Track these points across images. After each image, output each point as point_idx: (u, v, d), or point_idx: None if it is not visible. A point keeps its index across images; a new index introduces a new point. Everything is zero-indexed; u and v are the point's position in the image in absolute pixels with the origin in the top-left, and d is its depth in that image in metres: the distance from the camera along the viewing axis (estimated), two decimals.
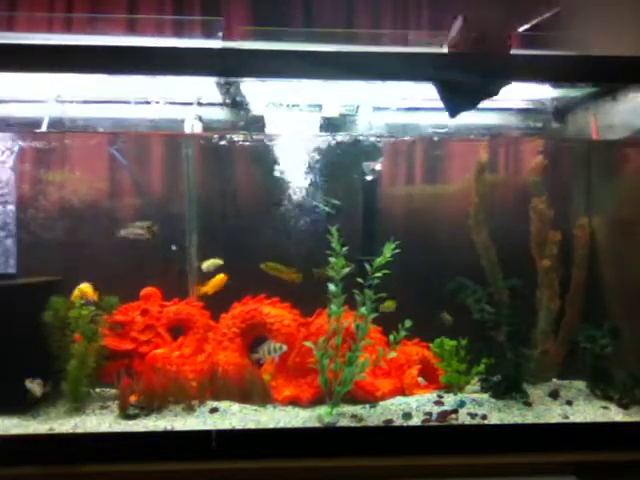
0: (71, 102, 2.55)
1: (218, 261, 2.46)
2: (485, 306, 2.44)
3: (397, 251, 2.28)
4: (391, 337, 2.33)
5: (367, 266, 2.27)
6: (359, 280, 2.28)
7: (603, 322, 2.49)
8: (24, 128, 2.66)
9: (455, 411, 2.21)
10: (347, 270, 2.26)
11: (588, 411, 2.28)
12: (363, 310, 2.27)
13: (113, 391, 2.36)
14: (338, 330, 2.28)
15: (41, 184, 2.75)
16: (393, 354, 2.33)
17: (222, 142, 2.55)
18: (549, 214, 2.69)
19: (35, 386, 2.13)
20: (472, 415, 2.19)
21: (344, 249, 2.27)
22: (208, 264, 2.50)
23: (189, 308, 2.66)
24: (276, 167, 2.64)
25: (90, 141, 2.77)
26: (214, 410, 2.25)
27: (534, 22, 2.31)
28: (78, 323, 2.29)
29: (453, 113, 2.13)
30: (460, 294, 2.50)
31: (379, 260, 2.27)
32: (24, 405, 2.21)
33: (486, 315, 2.43)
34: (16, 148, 2.70)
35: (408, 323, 2.30)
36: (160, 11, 3.17)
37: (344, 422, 2.15)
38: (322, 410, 2.25)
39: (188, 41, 2.78)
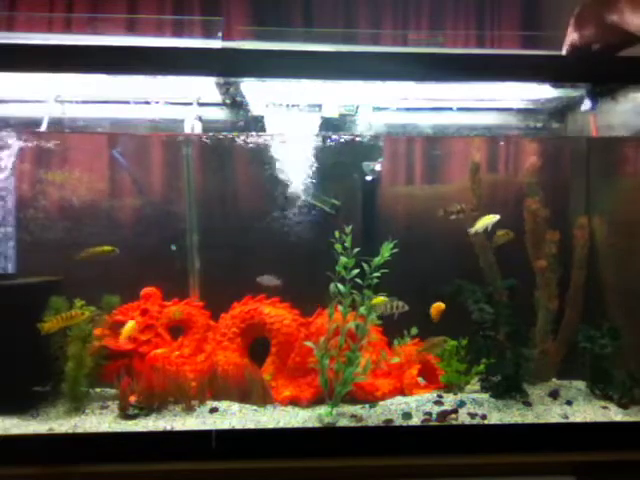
0: (70, 102, 2.55)
1: (492, 218, 2.12)
2: (484, 306, 2.44)
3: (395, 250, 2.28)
4: (395, 342, 2.32)
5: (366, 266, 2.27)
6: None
7: (603, 322, 2.49)
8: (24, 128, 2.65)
9: (455, 411, 2.21)
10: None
11: (588, 411, 2.28)
12: (362, 310, 2.27)
13: (113, 391, 2.36)
14: (342, 330, 2.27)
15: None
16: (396, 359, 2.33)
17: (221, 142, 2.55)
18: (543, 214, 2.68)
19: None
20: (472, 415, 2.20)
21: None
22: (484, 222, 2.14)
23: (189, 308, 2.66)
24: (275, 167, 2.64)
25: (88, 141, 2.77)
26: (214, 410, 2.25)
27: None
28: (78, 324, 2.29)
29: None
30: (460, 296, 2.50)
31: (377, 260, 2.27)
32: (23, 405, 2.21)
33: (486, 315, 2.43)
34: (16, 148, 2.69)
35: (414, 330, 2.28)
36: (160, 11, 3.17)
37: (344, 422, 2.15)
38: (322, 410, 2.25)
39: (188, 41, 2.77)
